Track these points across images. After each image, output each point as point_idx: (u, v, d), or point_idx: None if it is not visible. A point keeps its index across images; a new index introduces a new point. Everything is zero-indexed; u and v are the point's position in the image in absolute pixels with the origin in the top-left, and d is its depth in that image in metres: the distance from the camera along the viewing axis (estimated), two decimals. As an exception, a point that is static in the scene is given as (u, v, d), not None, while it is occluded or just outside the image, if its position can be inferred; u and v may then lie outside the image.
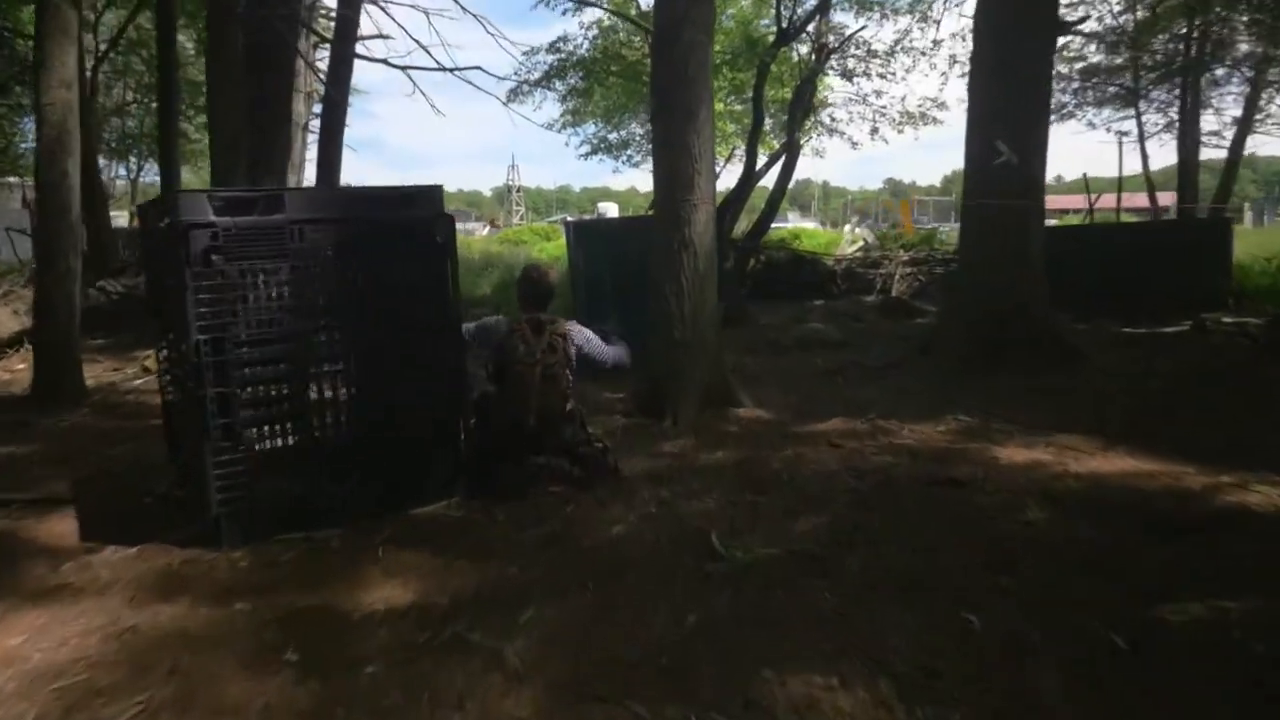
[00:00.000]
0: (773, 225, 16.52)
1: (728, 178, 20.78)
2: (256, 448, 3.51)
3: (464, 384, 3.98)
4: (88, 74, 17.84)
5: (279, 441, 3.61)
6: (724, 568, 3.10)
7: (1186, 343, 8.13)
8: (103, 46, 18.32)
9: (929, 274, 13.03)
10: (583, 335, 4.27)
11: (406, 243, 3.77)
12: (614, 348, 4.43)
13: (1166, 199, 23.32)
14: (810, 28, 13.46)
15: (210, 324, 3.36)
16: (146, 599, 3.03)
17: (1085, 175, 12.54)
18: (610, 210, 47.82)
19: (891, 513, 3.70)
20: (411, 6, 9.70)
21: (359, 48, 12.43)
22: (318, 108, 13.12)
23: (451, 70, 9.50)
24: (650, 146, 8.87)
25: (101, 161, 24.16)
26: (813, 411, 5.62)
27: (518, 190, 73.76)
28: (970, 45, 7.63)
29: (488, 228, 47.19)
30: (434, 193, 3.83)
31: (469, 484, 4.02)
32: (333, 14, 12.75)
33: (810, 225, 39.33)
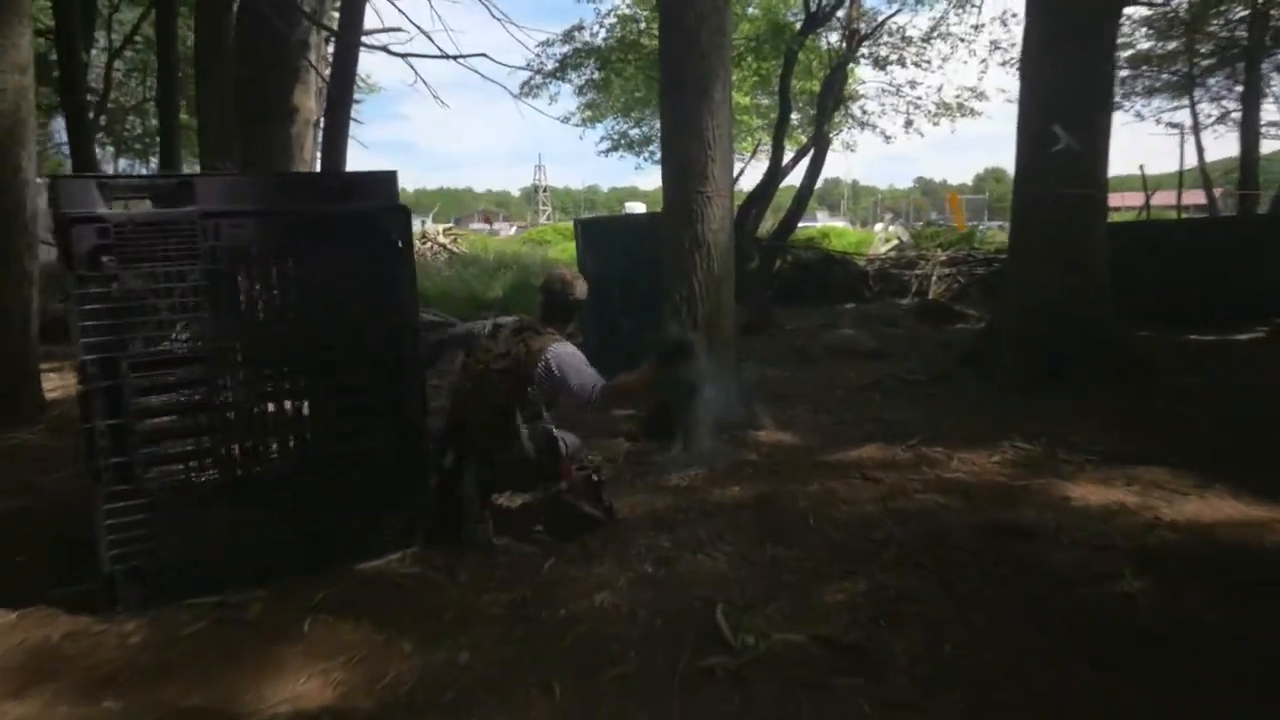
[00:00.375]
0: (801, 224, 15.76)
1: (752, 174, 20.04)
2: (161, 491, 2.85)
3: (423, 411, 3.30)
4: (97, 69, 17.59)
5: (191, 483, 2.94)
6: (731, 663, 2.39)
7: (1266, 351, 7.26)
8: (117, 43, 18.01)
9: (969, 275, 12.15)
10: (559, 361, 3.40)
11: (352, 241, 3.11)
12: (594, 380, 3.44)
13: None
14: (840, 13, 12.68)
15: (100, 341, 2.73)
16: (-2, 692, 2.40)
17: (1142, 169, 11.62)
18: (638, 210, 47.24)
19: (946, 575, 2.97)
20: (413, -9, 9.05)
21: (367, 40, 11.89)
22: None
23: (455, 58, 8.87)
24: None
25: (124, 163, 24.01)
26: (844, 435, 4.89)
27: (544, 190, 73.60)
28: (1013, 29, 6.83)
29: (514, 227, 46.68)
30: (385, 180, 3.16)
31: (430, 531, 3.35)
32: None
33: (840, 224, 38.46)
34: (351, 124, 11.72)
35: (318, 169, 12.42)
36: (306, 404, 3.10)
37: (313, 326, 3.07)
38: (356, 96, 18.18)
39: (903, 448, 4.53)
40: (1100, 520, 3.46)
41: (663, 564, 3.13)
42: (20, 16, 5.59)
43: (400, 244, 3.16)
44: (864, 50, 13.40)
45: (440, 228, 26.87)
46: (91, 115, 16.39)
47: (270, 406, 3.02)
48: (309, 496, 3.08)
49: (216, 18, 8.29)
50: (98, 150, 20.98)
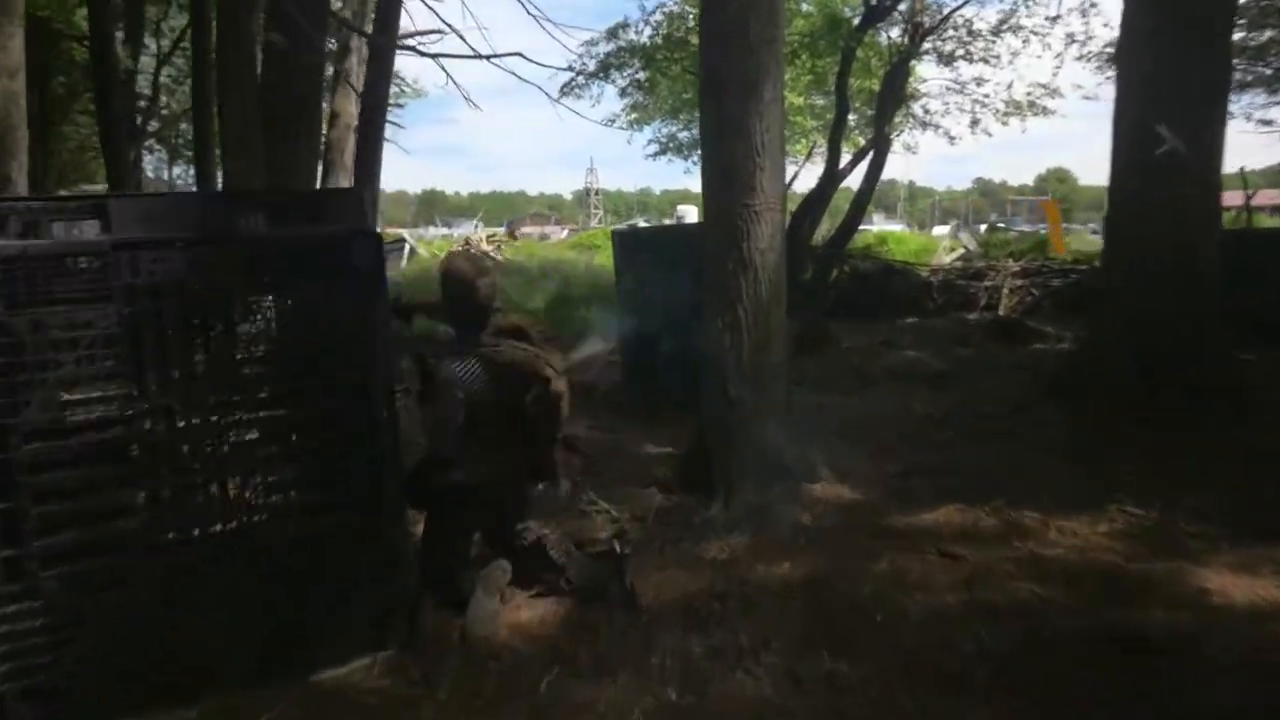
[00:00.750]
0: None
1: (805, 179, 19.21)
2: (63, 591, 2.31)
3: (397, 477, 2.71)
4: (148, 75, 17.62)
5: (103, 577, 2.38)
6: None
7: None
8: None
9: (1043, 288, 11.15)
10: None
11: (307, 274, 2.53)
12: None
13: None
14: (902, 6, 11.86)
15: (-14, 404, 2.19)
16: None
17: (1243, 170, 10.56)
18: (689, 214, 46.40)
19: (1057, 711, 2.28)
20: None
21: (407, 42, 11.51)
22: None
23: (488, 57, 8.37)
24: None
25: (177, 170, 24.26)
26: (914, 490, 4.16)
27: (596, 193, 73.25)
28: (1092, 21, 6.00)
29: (565, 230, 46.25)
30: (348, 199, 2.60)
31: (412, 624, 2.77)
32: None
33: (896, 227, 37.14)
34: (395, 129, 11.37)
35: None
36: (252, 475, 2.53)
37: (257, 381, 2.50)
38: (401, 101, 17.84)
39: (986, 510, 3.79)
40: (1250, 625, 2.72)
41: (691, 684, 2.48)
42: (10, 18, 5.21)
43: (368, 277, 2.57)
44: (927, 45, 12.55)
45: (484, 234, 26.51)
46: (139, 122, 16.41)
47: (204, 481, 2.46)
48: (256, 590, 2.51)
49: (237, 17, 7.87)
50: (148, 156, 21.20)
